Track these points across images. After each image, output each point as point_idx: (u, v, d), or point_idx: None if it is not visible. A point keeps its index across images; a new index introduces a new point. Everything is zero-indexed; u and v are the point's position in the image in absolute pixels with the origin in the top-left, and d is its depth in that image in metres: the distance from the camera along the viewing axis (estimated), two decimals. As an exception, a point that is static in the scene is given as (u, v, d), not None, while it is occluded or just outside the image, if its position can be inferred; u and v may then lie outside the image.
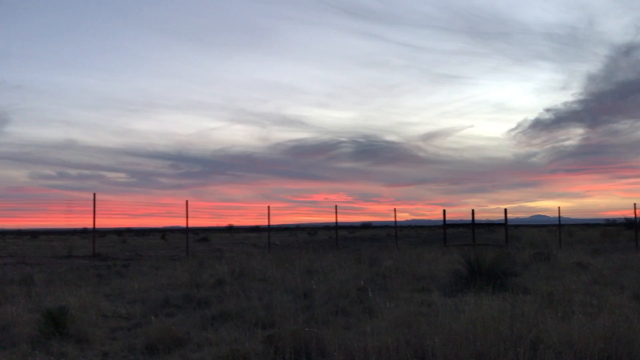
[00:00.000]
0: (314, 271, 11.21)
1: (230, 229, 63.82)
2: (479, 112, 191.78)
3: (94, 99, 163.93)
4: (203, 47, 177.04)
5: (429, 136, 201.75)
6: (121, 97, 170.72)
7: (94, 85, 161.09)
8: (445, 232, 27.96)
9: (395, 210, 31.02)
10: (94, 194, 20.00)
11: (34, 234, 52.82)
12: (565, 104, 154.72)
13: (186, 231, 22.48)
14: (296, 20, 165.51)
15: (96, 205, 19.91)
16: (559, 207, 28.94)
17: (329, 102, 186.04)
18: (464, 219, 32.54)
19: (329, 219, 29.03)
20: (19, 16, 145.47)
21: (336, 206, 28.23)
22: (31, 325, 6.17)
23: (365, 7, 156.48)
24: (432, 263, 12.76)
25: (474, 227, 26.99)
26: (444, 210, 27.60)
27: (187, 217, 21.74)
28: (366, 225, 75.29)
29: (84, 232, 53.69)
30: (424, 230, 66.14)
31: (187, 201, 21.85)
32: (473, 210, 26.60)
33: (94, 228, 20.78)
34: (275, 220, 26.54)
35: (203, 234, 43.43)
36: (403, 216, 77.63)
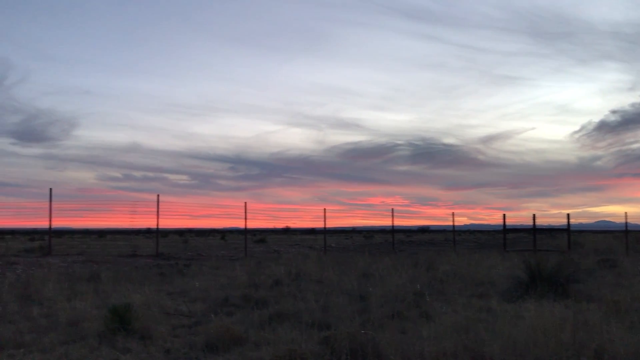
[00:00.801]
0: (370, 274, 11.20)
1: (286, 230, 64.49)
2: (540, 114, 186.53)
3: (157, 104, 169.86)
4: (261, 52, 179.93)
5: (489, 139, 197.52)
6: (183, 102, 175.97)
7: (158, 90, 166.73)
8: (505, 237, 27.34)
9: (453, 214, 30.63)
10: (158, 195, 20.63)
11: (101, 233, 54.93)
12: (633, 105, 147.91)
13: (244, 232, 22.88)
14: (353, 24, 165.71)
15: (159, 206, 20.54)
16: (625, 213, 27.81)
17: (385, 105, 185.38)
18: (525, 223, 31.64)
19: (385, 222, 28.92)
20: (88, 26, 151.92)
21: (392, 209, 28.12)
22: (98, 321, 6.43)
23: (423, 9, 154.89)
24: (491, 268, 12.49)
25: (535, 232, 26.23)
26: (504, 215, 27.05)
27: (245, 218, 22.14)
28: (423, 229, 74.45)
29: (147, 232, 55.45)
30: (483, 235, 64.80)
31: (245, 203, 22.27)
32: (534, 215, 25.88)
33: (157, 228, 21.42)
34: (331, 223, 26.77)
35: (260, 235, 44.03)
36: (461, 220, 76.39)
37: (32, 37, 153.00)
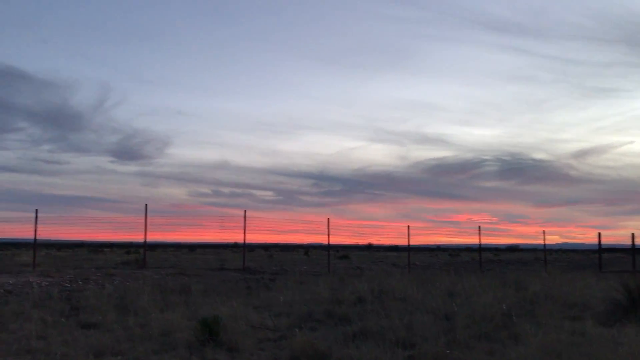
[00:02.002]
0: (456, 293, 10.94)
1: (369, 247, 64.18)
2: (639, 127, 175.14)
3: (245, 123, 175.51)
4: (344, 69, 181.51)
5: (582, 153, 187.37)
6: (269, 120, 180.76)
7: (245, 109, 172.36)
8: (600, 256, 25.84)
9: (544, 232, 29.56)
10: (245, 211, 21.21)
11: (191, 247, 57.10)
12: None
13: (327, 248, 23.01)
14: (437, 38, 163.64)
15: (246, 222, 21.10)
16: None
17: (471, 119, 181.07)
18: (622, 243, 29.83)
19: (472, 240, 28.35)
20: (180, 49, 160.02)
21: (479, 227, 27.38)
22: (188, 332, 6.69)
23: (509, 21, 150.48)
24: (585, 289, 11.83)
25: (634, 252, 24.61)
26: (599, 234, 25.64)
27: (328, 234, 22.30)
28: (512, 248, 71.87)
29: (234, 246, 57.08)
30: (576, 255, 61.55)
31: (328, 219, 22.44)
32: (633, 234, 24.34)
33: (244, 243, 21.98)
34: (415, 240, 26.25)
35: (343, 252, 44.11)
36: (553, 239, 72.96)
37: (130, 62, 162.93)
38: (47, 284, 13.28)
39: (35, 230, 18.49)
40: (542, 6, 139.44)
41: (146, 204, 19.71)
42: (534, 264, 32.14)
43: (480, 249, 27.92)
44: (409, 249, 25.95)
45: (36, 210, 18.52)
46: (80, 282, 13.85)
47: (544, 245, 30.06)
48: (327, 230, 22.27)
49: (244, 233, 21.08)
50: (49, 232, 20.14)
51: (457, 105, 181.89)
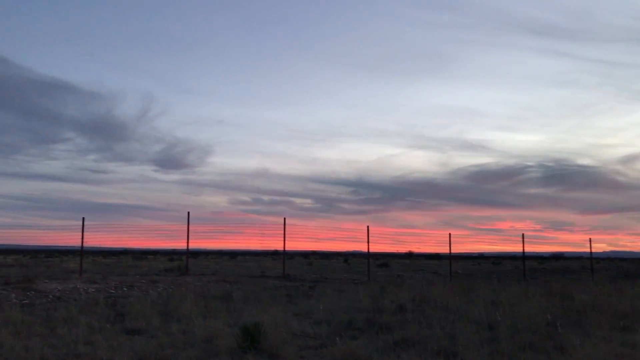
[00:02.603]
0: (499, 302, 10.73)
1: (410, 255, 63.58)
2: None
3: (283, 131, 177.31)
4: (382, 76, 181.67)
5: (630, 159, 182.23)
6: (307, 129, 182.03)
7: (284, 118, 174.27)
8: (651, 265, 24.94)
9: (590, 240, 28.56)
10: (284, 219, 21.30)
11: (232, 254, 57.70)
12: None
13: (367, 256, 22.91)
14: (477, 44, 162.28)
15: (286, 229, 21.21)
16: None
17: (513, 125, 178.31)
18: (675, 251, 28.71)
19: (515, 248, 27.59)
20: (220, 60, 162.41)
21: (523, 235, 26.81)
22: (230, 339, 6.76)
23: (552, 25, 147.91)
24: (636, 299, 11.45)
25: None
26: (650, 242, 24.70)
27: (368, 242, 22.19)
28: (557, 256, 70.13)
29: (274, 253, 57.45)
30: (626, 263, 59.51)
31: (368, 227, 22.35)
32: (687, 242, 23.40)
33: (284, 250, 22.09)
34: (457, 248, 25.87)
35: (383, 260, 43.83)
36: (600, 247, 70.63)
37: (172, 72, 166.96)
38: (93, 290, 13.64)
39: (82, 238, 18.99)
40: (585, 8, 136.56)
41: (188, 212, 20.05)
42: (580, 272, 31.27)
43: (524, 257, 27.34)
44: (451, 257, 25.60)
45: (83, 219, 19.05)
46: (125, 289, 14.17)
47: (591, 253, 29.20)
48: (366, 238, 22.19)
49: (284, 241, 21.20)
50: (95, 239, 20.63)
51: (499, 110, 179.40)
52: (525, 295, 11.90)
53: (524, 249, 26.75)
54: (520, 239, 26.73)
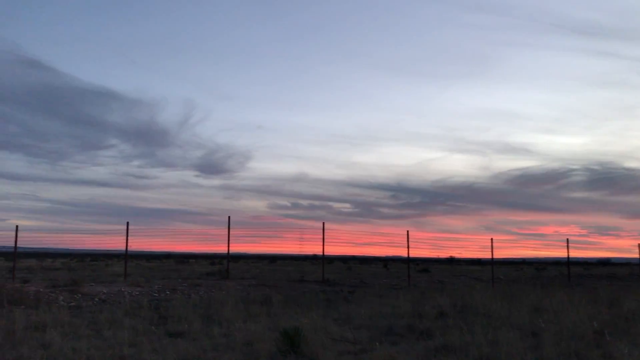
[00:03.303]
0: (543, 309, 10.50)
1: (451, 260, 62.79)
2: None
3: (322, 135, 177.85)
4: (421, 79, 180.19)
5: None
6: (345, 133, 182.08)
7: (322, 122, 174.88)
8: None
9: (639, 245, 27.63)
10: (323, 223, 21.28)
11: (271, 258, 58.10)
12: None
13: (407, 261, 22.73)
14: (519, 45, 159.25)
15: (324, 234, 21.22)
16: None
17: (557, 127, 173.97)
18: None
19: (559, 253, 26.93)
20: (258, 66, 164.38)
21: (567, 240, 26.20)
22: (270, 343, 6.81)
23: (596, 24, 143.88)
24: (689, 308, 11.02)
25: None
26: None
27: (408, 247, 22.03)
28: (603, 262, 68.14)
29: (313, 258, 57.56)
30: (678, 270, 57.32)
31: (407, 231, 22.20)
32: None
33: (323, 255, 22.10)
34: (499, 254, 25.41)
35: (423, 265, 43.42)
36: (649, 253, 68.23)
37: (213, 79, 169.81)
38: (137, 293, 13.94)
39: (127, 242, 19.42)
40: (631, 7, 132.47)
41: (229, 216, 20.28)
42: (628, 279, 30.28)
43: (569, 262, 26.68)
44: (493, 263, 25.16)
45: (127, 223, 19.48)
46: (167, 292, 14.43)
47: (640, 259, 28.27)
48: (406, 242, 22.03)
49: (323, 245, 21.20)
50: (139, 243, 21.08)
51: (542, 113, 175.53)
52: (570, 302, 11.60)
53: (568, 254, 26.13)
54: (565, 244, 26.14)
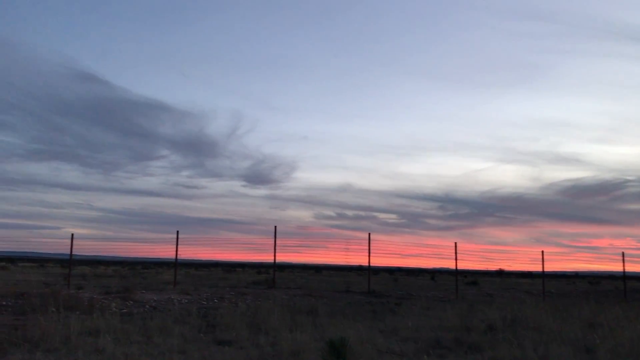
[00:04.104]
0: (597, 324, 10.14)
1: (500, 273, 61.38)
2: None
3: (367, 146, 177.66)
4: (468, 88, 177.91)
5: None
6: (391, 143, 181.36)
7: (367, 133, 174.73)
8: None
9: (700, 260, 26.42)
10: (369, 234, 21.22)
11: (317, 268, 58.18)
12: None
13: (455, 273, 22.39)
14: (570, 53, 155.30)
15: (370, 245, 21.14)
16: None
17: (611, 137, 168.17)
18: None
19: (615, 267, 25.99)
20: (304, 78, 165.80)
21: (623, 253, 25.24)
22: (316, 353, 6.81)
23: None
24: None
25: None
26: None
27: (456, 259, 21.70)
28: (662, 276, 65.10)
29: (359, 269, 57.32)
30: None
31: (455, 243, 21.87)
32: None
33: (369, 266, 21.97)
34: (550, 267, 24.70)
35: (472, 277, 42.61)
36: None
37: (259, 91, 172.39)
38: (186, 301, 14.21)
39: (177, 251, 19.84)
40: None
41: (275, 226, 20.47)
42: (690, 295, 28.93)
43: (625, 276, 25.67)
44: (544, 276, 24.47)
45: (177, 232, 19.91)
46: (215, 300, 14.65)
47: (702, 274, 27.00)
48: (454, 254, 21.71)
49: (369, 256, 21.09)
50: (188, 252, 21.49)
51: (594, 122, 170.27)
52: (627, 317, 11.17)
53: (624, 268, 25.18)
54: (620, 258, 25.19)
